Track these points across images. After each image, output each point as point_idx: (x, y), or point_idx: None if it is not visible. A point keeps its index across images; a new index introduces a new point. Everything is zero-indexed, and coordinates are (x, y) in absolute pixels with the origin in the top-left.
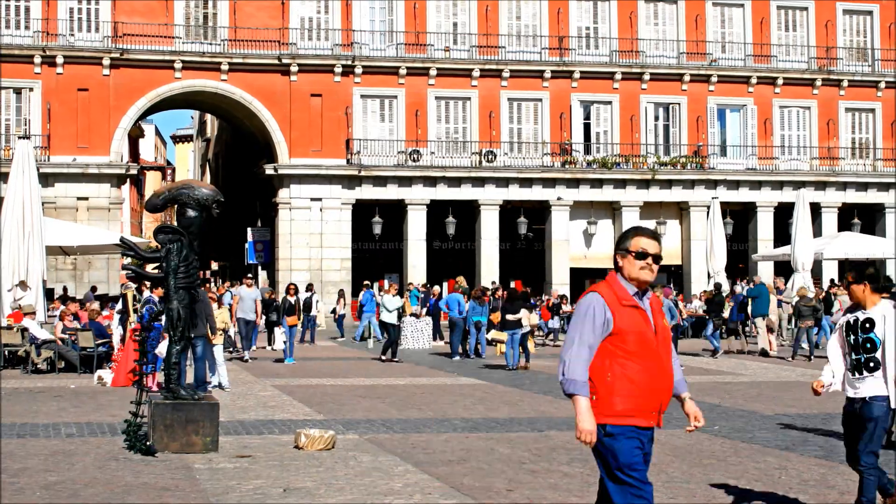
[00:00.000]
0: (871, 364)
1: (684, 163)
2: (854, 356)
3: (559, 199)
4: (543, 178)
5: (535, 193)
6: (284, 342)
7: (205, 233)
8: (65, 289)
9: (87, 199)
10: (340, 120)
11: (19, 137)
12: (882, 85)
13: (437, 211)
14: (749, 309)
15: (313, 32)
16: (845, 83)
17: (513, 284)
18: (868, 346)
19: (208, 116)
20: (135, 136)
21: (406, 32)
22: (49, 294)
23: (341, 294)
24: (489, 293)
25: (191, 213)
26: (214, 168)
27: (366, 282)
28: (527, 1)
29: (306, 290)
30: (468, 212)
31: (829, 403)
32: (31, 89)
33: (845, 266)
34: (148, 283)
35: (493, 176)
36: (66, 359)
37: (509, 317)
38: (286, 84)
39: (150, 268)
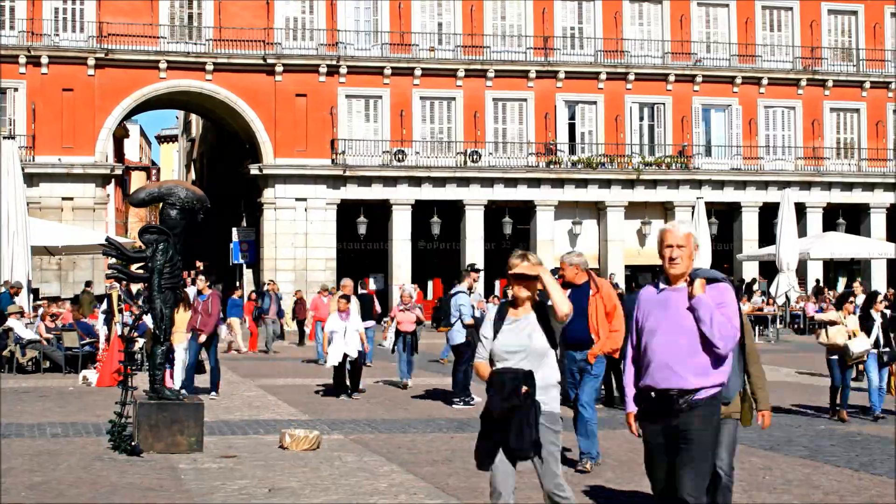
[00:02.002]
0: None
1: (669, 163)
2: None
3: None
4: (528, 178)
5: (520, 193)
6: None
7: (187, 235)
8: (36, 290)
9: (71, 199)
10: (325, 120)
11: (4, 138)
12: (867, 85)
13: (421, 211)
14: None
15: (298, 32)
16: (830, 83)
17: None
18: None
19: (193, 116)
20: (120, 136)
21: (391, 32)
22: (34, 294)
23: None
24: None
25: (174, 213)
26: (199, 168)
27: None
28: (511, 1)
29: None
30: (453, 212)
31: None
32: (15, 89)
33: (830, 266)
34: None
35: (478, 176)
36: (51, 359)
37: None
38: (271, 84)
39: (134, 268)
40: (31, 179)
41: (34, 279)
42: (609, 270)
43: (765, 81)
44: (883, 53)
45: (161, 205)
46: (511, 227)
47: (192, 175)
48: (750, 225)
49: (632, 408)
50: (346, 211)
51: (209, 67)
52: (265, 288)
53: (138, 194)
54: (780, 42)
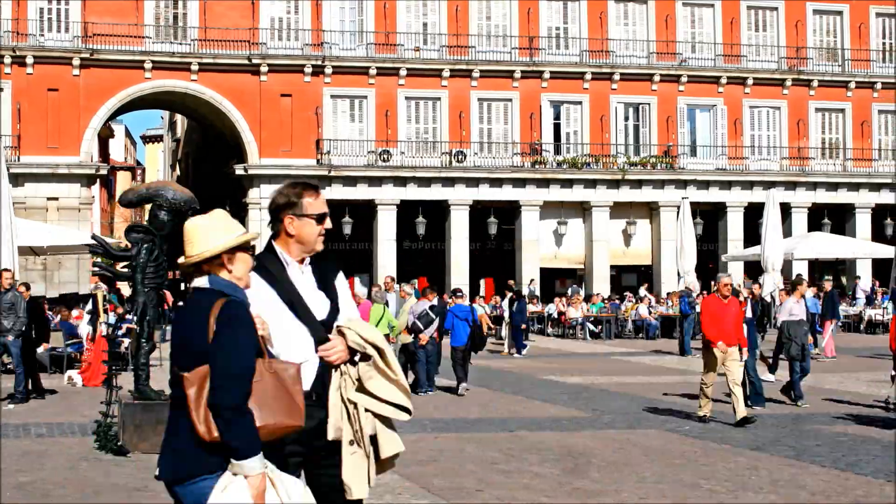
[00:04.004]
0: None
1: (654, 163)
2: None
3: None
4: (513, 178)
5: (505, 193)
6: None
7: (176, 236)
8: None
9: (57, 199)
10: (310, 120)
11: None
12: (852, 85)
13: (407, 211)
14: None
15: (283, 32)
16: (815, 83)
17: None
18: None
19: (178, 116)
20: (105, 136)
21: (376, 32)
22: None
23: None
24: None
25: (164, 215)
26: (184, 168)
27: None
28: (497, 1)
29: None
30: (438, 212)
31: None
32: (1, 89)
33: (815, 266)
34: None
35: (463, 176)
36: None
37: None
38: (256, 84)
39: (120, 266)
40: (17, 179)
41: (20, 279)
42: (594, 270)
43: (750, 81)
44: (868, 53)
45: (150, 206)
46: (496, 227)
47: (177, 173)
48: (735, 225)
49: None
50: (331, 211)
51: (194, 67)
52: None
53: (127, 195)
54: (765, 42)
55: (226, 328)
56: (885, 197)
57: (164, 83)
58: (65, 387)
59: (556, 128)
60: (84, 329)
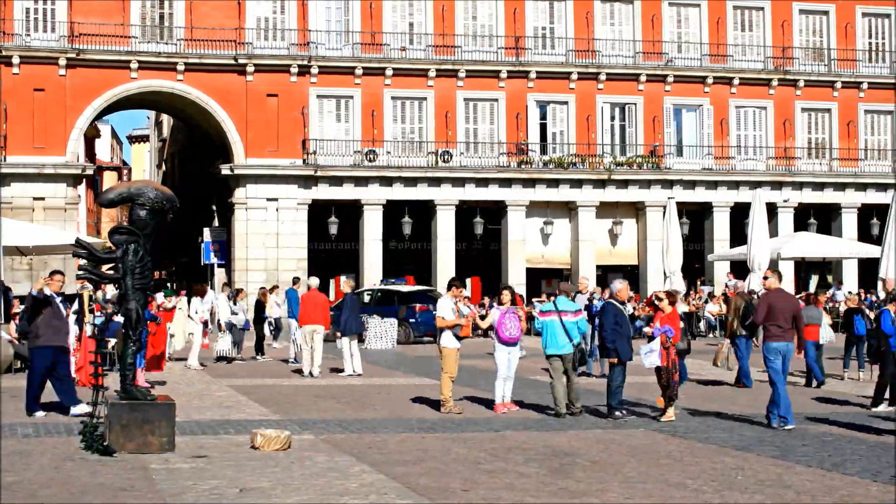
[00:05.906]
0: None
1: (640, 163)
2: None
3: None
4: (499, 178)
5: (492, 193)
6: None
7: (157, 235)
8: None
9: (43, 199)
10: (297, 120)
11: None
12: (838, 85)
13: (393, 211)
14: None
15: (269, 32)
16: (801, 83)
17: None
18: None
19: (164, 116)
20: (91, 136)
21: (362, 32)
22: (5, 294)
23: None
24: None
25: (144, 214)
26: (170, 168)
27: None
28: (483, 1)
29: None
30: (424, 212)
31: None
32: None
33: (802, 266)
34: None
35: (450, 176)
36: (24, 358)
37: None
38: (242, 84)
39: (104, 269)
40: (3, 179)
41: (5, 279)
42: (581, 270)
43: (736, 81)
44: (854, 53)
45: (130, 205)
46: (482, 227)
47: (164, 173)
48: (721, 225)
49: None
50: (318, 211)
51: (180, 67)
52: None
53: (107, 195)
54: (751, 42)
55: None
56: (871, 197)
57: (150, 83)
58: (51, 387)
59: (543, 128)
60: (72, 329)
